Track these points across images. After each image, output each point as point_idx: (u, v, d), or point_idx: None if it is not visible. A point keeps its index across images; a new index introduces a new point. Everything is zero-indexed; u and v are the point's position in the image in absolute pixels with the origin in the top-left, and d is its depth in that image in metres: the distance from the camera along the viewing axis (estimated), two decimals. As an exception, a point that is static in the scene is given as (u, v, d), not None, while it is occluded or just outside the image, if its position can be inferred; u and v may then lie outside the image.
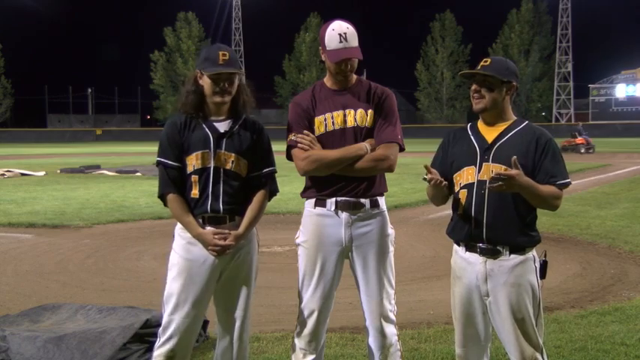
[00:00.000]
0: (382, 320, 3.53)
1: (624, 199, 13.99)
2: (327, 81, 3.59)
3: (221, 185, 3.35)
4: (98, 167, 23.64)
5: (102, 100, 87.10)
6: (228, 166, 3.37)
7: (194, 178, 3.35)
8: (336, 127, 3.48)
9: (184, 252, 3.37)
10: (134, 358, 4.35)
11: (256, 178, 3.46)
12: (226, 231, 3.34)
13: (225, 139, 3.38)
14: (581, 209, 12.10)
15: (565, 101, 74.93)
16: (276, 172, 3.55)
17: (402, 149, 3.53)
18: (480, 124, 3.33)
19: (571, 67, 74.43)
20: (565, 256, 8.11)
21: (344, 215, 3.48)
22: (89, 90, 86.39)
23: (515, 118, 3.31)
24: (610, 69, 72.48)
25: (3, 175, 20.64)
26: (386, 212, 3.62)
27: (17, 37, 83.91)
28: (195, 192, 3.35)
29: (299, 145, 3.47)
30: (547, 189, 3.13)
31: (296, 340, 3.59)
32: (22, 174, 21.18)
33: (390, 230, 3.61)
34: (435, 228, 10.35)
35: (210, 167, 3.35)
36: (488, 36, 74.58)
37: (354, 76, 3.57)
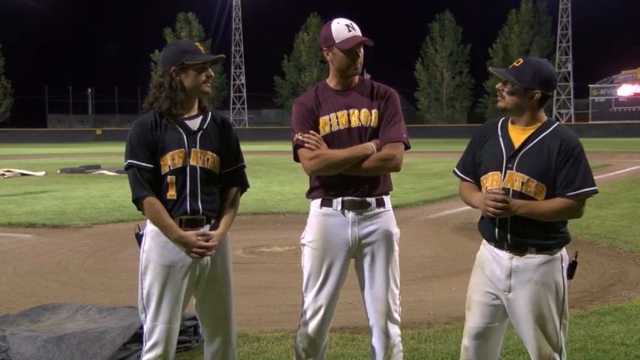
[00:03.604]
0: (387, 320, 3.53)
1: (624, 199, 13.98)
2: (330, 82, 3.59)
3: (198, 184, 3.28)
4: (98, 167, 23.62)
5: (102, 100, 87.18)
6: (204, 164, 3.30)
7: (170, 178, 3.25)
8: (341, 127, 3.49)
9: (160, 257, 3.27)
10: (134, 358, 4.35)
11: (229, 175, 3.42)
12: (208, 232, 3.29)
13: (198, 137, 3.31)
14: (581, 209, 12.07)
15: (565, 101, 74.91)
16: (245, 167, 3.53)
17: (407, 147, 3.54)
18: (511, 124, 3.25)
19: (571, 67, 74.42)
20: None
21: (350, 215, 3.48)
22: (89, 90, 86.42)
23: (545, 119, 3.21)
24: (610, 69, 72.47)
25: (3, 175, 20.63)
26: (392, 211, 3.62)
27: (17, 37, 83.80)
28: (172, 193, 3.25)
29: (306, 145, 3.46)
30: (551, 205, 3.07)
31: (298, 340, 3.59)
32: (22, 174, 21.17)
33: (396, 229, 3.61)
34: (435, 228, 10.35)
35: (187, 166, 3.26)
36: (487, 36, 74.52)
37: (357, 77, 3.57)
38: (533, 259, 3.14)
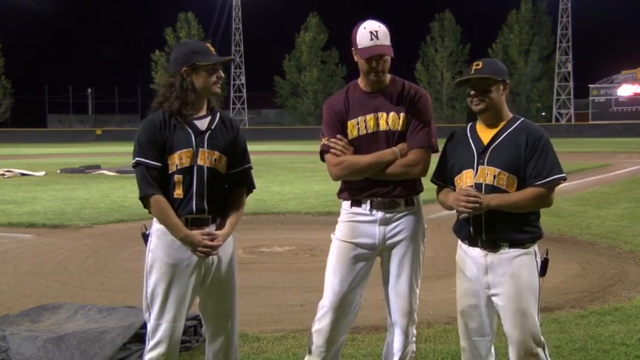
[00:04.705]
0: (409, 321, 3.55)
1: (624, 199, 13.99)
2: (361, 82, 3.59)
3: (205, 184, 3.29)
4: (98, 167, 23.63)
5: (102, 100, 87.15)
6: (212, 163, 3.31)
7: (177, 177, 3.26)
8: (369, 130, 3.50)
9: (166, 256, 3.28)
10: (134, 358, 4.35)
11: (236, 175, 3.44)
12: (214, 231, 3.30)
13: (206, 137, 3.33)
14: (581, 209, 12.10)
15: (565, 101, 74.89)
16: (252, 168, 3.55)
17: (435, 151, 3.55)
18: (479, 125, 3.38)
19: (571, 67, 74.41)
20: (565, 256, 8.11)
21: (379, 214, 3.50)
22: (89, 90, 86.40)
23: (511, 116, 3.35)
24: (610, 69, 72.48)
25: (3, 175, 20.63)
26: (421, 211, 3.64)
27: (17, 37, 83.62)
28: (178, 192, 3.27)
29: (331, 150, 3.48)
30: (523, 195, 3.17)
31: (312, 338, 3.56)
32: (22, 174, 21.17)
33: (424, 229, 3.64)
34: (435, 228, 10.32)
35: (194, 166, 3.28)
36: (487, 36, 74.51)
37: (388, 76, 3.56)
38: (507, 253, 3.23)
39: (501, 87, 3.29)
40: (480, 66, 3.28)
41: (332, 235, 3.66)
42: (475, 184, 3.25)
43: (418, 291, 3.60)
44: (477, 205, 3.15)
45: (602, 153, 33.02)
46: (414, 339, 3.61)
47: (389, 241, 3.52)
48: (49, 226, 10.70)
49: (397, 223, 3.52)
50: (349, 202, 3.58)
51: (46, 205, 13.33)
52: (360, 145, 3.49)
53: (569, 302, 6.05)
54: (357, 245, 3.53)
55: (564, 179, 3.23)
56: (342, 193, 3.64)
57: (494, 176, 3.21)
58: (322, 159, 3.60)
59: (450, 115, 75.16)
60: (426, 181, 3.63)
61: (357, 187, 3.53)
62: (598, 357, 4.49)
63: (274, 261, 8.14)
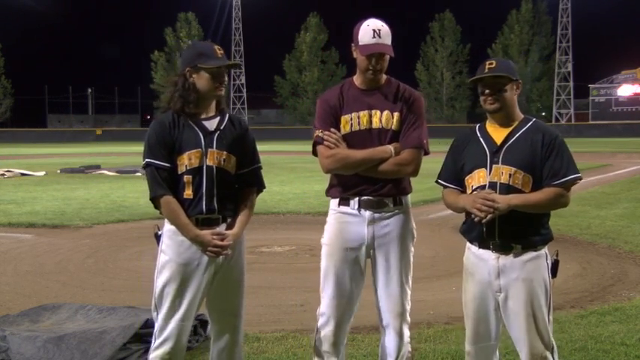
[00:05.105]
0: (402, 322, 3.54)
1: (624, 199, 14.00)
2: (357, 80, 3.59)
3: (215, 184, 3.31)
4: (98, 167, 23.63)
5: (102, 100, 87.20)
6: (221, 164, 3.33)
7: (187, 178, 3.29)
8: (362, 127, 3.49)
9: (176, 256, 3.30)
10: (134, 358, 4.36)
11: (245, 175, 3.45)
12: (224, 231, 3.32)
13: (215, 137, 3.35)
14: (581, 209, 12.09)
15: (565, 101, 74.91)
16: (262, 168, 3.56)
17: (427, 153, 3.54)
18: (489, 126, 3.33)
19: (571, 67, 74.41)
20: (565, 256, 8.02)
21: (367, 214, 3.49)
22: (89, 90, 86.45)
23: (523, 116, 3.33)
24: (610, 69, 72.49)
25: (3, 175, 20.63)
26: (410, 211, 3.62)
27: (17, 37, 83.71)
28: (188, 192, 3.29)
29: (325, 142, 3.47)
30: (543, 195, 3.15)
31: (317, 344, 3.58)
32: (22, 174, 21.17)
33: (413, 230, 3.62)
34: (435, 228, 10.34)
35: (203, 166, 3.30)
36: (487, 36, 74.53)
37: (384, 77, 3.56)
38: (519, 257, 3.21)
39: (514, 86, 3.26)
40: (493, 65, 3.24)
41: (321, 240, 3.63)
42: (489, 182, 3.20)
43: (409, 291, 3.59)
44: (492, 210, 3.10)
45: (602, 153, 33.03)
46: (409, 339, 3.60)
47: (378, 241, 3.51)
48: (49, 226, 10.70)
49: (386, 222, 3.50)
50: (337, 200, 3.56)
51: (46, 205, 13.33)
52: (353, 140, 3.48)
53: (569, 302, 6.05)
54: (348, 249, 3.51)
55: (580, 179, 3.22)
56: (330, 190, 3.62)
57: (510, 175, 3.17)
58: (314, 152, 3.57)
59: (450, 115, 75.16)
60: (417, 182, 3.62)
61: (345, 184, 3.51)
62: (598, 357, 4.50)
63: (274, 261, 8.14)
